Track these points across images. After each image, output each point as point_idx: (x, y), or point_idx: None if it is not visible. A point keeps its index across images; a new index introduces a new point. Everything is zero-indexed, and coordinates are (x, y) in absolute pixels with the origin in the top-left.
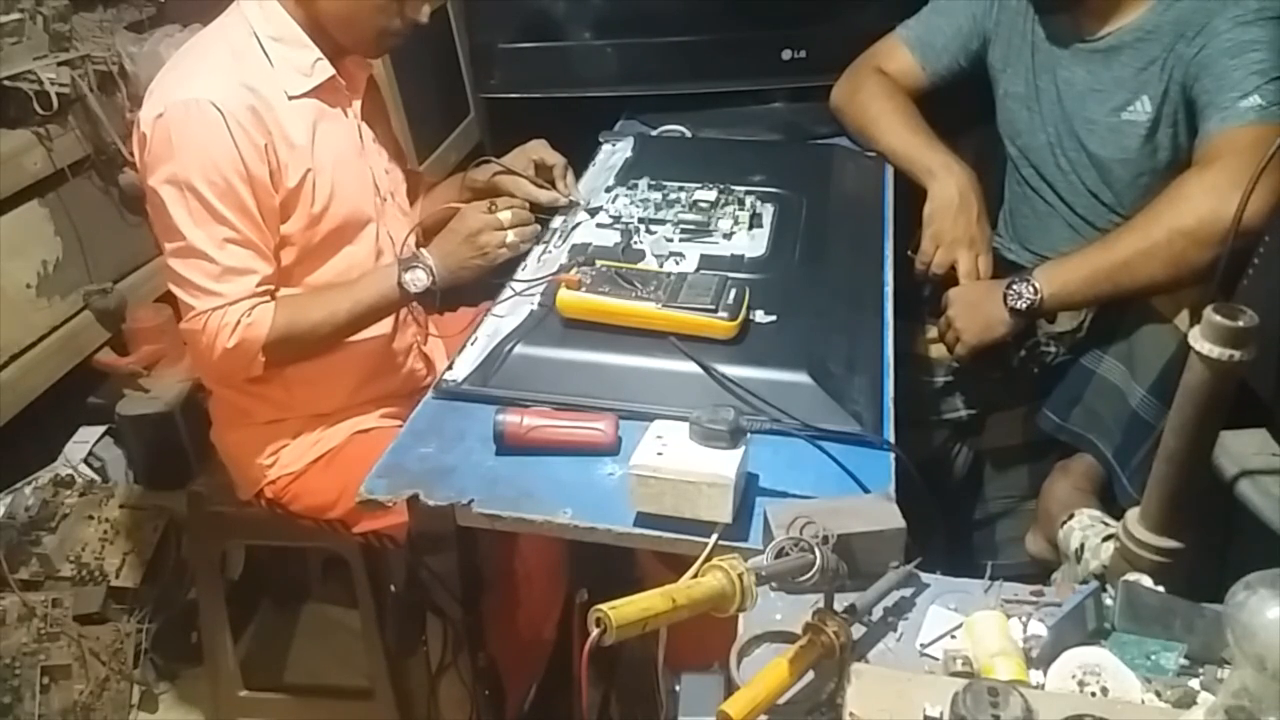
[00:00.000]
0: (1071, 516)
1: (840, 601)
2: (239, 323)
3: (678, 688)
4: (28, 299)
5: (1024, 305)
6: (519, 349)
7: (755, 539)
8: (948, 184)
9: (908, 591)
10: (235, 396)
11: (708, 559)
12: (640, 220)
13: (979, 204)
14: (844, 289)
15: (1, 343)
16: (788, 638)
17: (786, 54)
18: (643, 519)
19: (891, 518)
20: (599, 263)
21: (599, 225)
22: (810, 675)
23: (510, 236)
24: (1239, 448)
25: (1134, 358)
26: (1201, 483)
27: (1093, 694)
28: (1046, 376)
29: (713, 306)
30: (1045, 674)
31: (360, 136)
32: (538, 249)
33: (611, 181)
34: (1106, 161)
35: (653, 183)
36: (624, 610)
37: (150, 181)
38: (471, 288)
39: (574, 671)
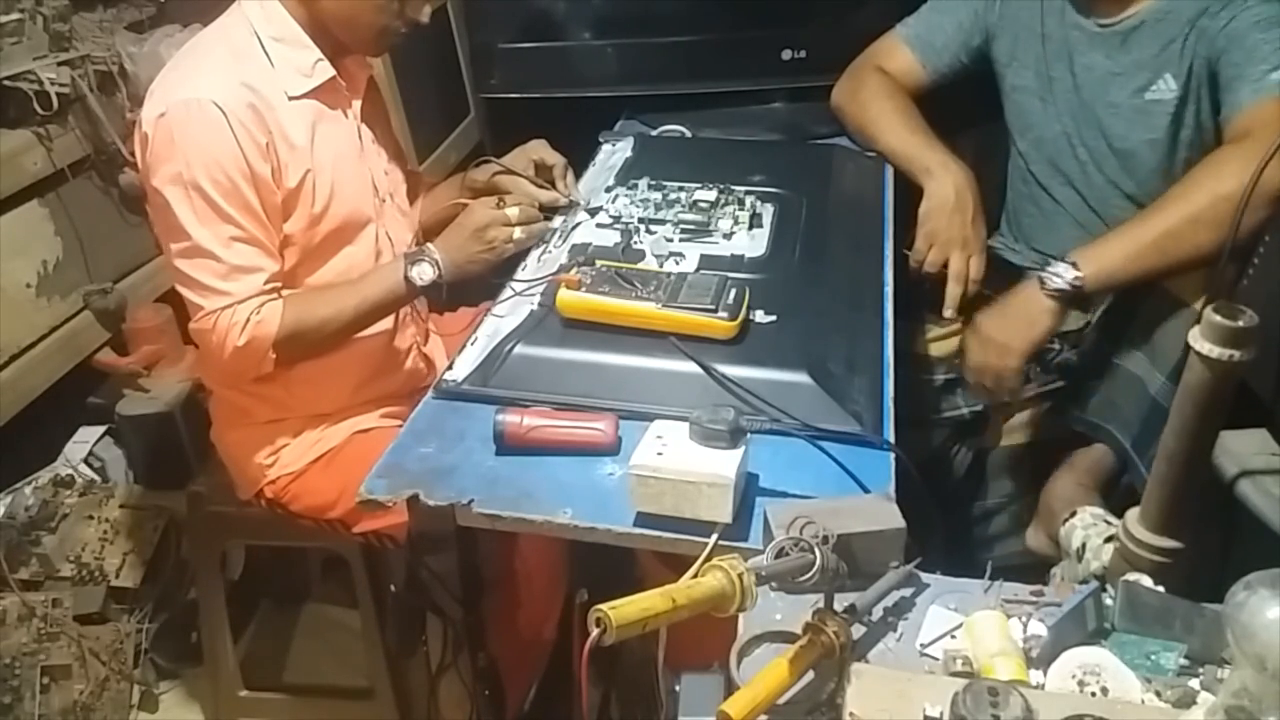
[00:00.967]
0: (1074, 514)
1: (840, 601)
2: (248, 321)
3: (678, 688)
4: (28, 299)
5: (1063, 285)
6: (519, 349)
7: (755, 539)
8: (944, 183)
9: (908, 591)
10: (235, 396)
11: (708, 559)
12: (640, 220)
13: (975, 204)
14: (844, 289)
15: (1, 343)
16: (788, 638)
17: (786, 54)
18: (643, 519)
19: (891, 518)
20: (599, 263)
21: (599, 225)
22: (810, 675)
23: (517, 233)
24: (1239, 448)
25: (1155, 345)
26: (1201, 483)
27: (1093, 694)
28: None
29: (713, 306)
30: (1045, 674)
31: (360, 137)
32: (537, 249)
33: (611, 181)
34: (1132, 146)
35: (653, 183)
36: (624, 610)
37: (153, 182)
38: (472, 287)
39: (574, 671)
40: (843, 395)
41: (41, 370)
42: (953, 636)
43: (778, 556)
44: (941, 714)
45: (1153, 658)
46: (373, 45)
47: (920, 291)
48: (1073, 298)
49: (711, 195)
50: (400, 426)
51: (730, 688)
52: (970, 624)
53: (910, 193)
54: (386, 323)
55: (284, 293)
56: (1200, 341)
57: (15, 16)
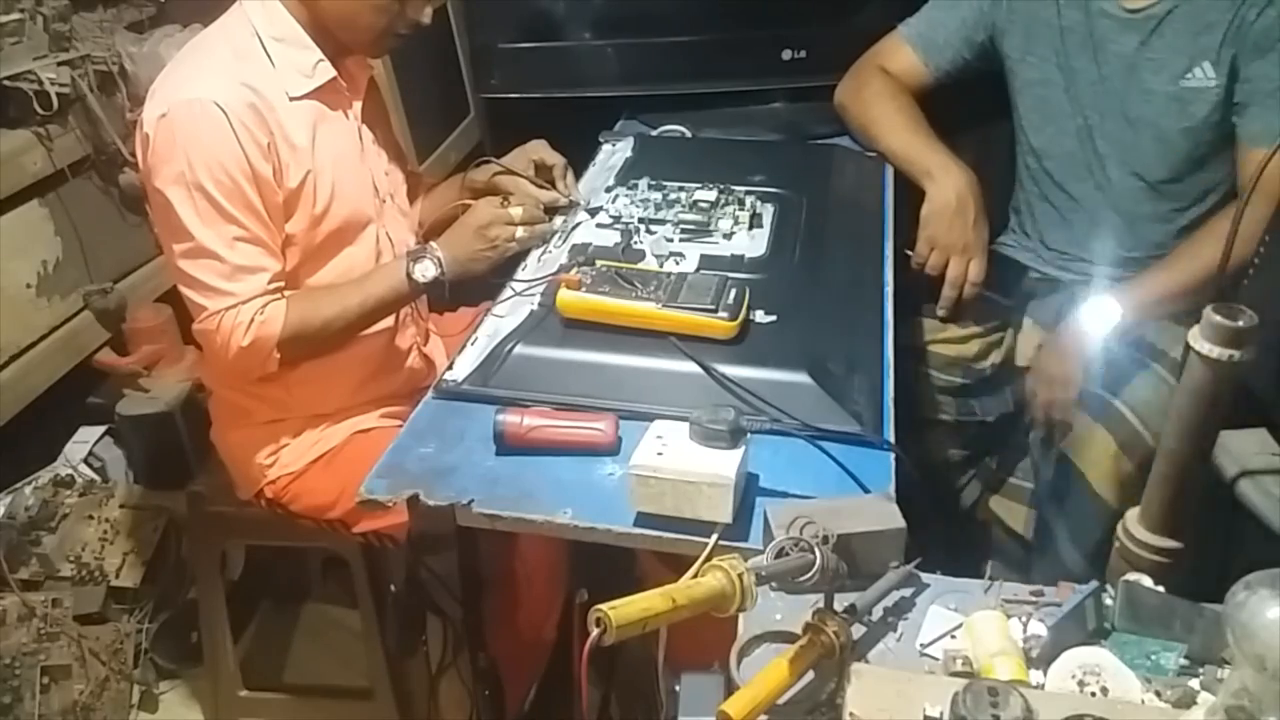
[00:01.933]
0: None
1: (840, 601)
2: (253, 321)
3: (678, 688)
4: (28, 299)
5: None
6: (519, 349)
7: (755, 539)
8: (945, 186)
9: (908, 591)
10: (235, 396)
11: (708, 559)
12: (640, 220)
13: (976, 207)
14: (844, 289)
15: (1, 343)
16: (788, 638)
17: (786, 54)
18: (643, 519)
19: (891, 518)
20: (599, 263)
21: (599, 225)
22: (810, 675)
23: (520, 232)
24: (1239, 448)
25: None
26: (1201, 483)
27: (1093, 694)
28: None
29: (713, 306)
30: (1045, 674)
31: (361, 138)
32: (538, 249)
33: (611, 181)
34: (1166, 133)
35: (653, 183)
36: (624, 610)
37: (155, 182)
38: (473, 287)
39: (574, 671)
40: (843, 395)
41: (41, 370)
42: (953, 636)
43: (778, 556)
44: (941, 714)
45: (1153, 658)
46: (373, 46)
47: (919, 286)
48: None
49: (711, 195)
50: (400, 426)
51: (730, 688)
52: (970, 624)
53: (911, 193)
54: (387, 322)
55: (285, 293)
56: (1200, 341)
57: (15, 16)
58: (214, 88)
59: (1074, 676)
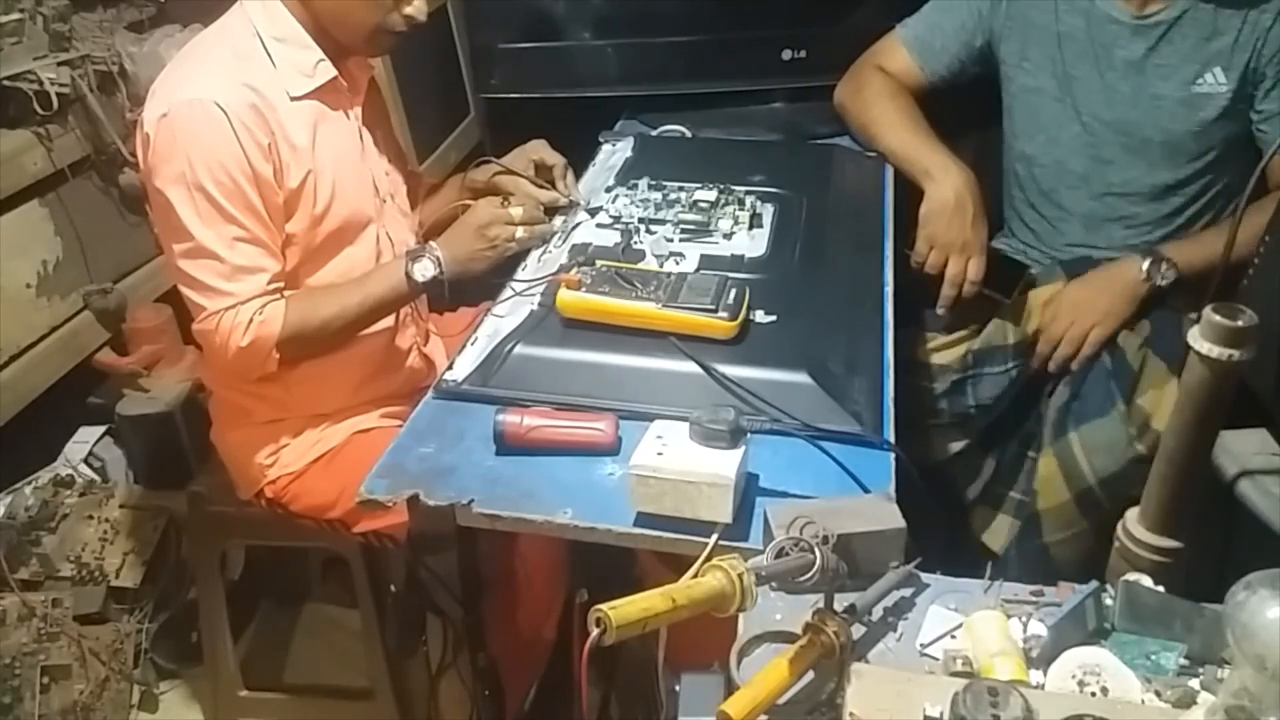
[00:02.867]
0: None
1: (840, 601)
2: (252, 321)
3: (678, 688)
4: (28, 299)
5: (1161, 283)
6: (519, 349)
7: (755, 539)
8: (944, 186)
9: (908, 591)
10: (235, 396)
11: (708, 559)
12: (640, 220)
13: (975, 206)
14: (844, 289)
15: (1, 343)
16: (788, 638)
17: (786, 54)
18: (643, 519)
19: (891, 518)
20: (599, 263)
21: (599, 225)
22: (810, 675)
23: (520, 232)
24: (1239, 448)
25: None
26: (1201, 483)
27: (1093, 694)
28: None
29: (713, 306)
30: (1045, 674)
31: (361, 138)
32: (538, 249)
33: (611, 181)
34: (1176, 136)
35: (653, 183)
36: (624, 610)
37: (155, 183)
38: (473, 287)
39: (574, 671)
40: (843, 395)
41: (41, 370)
42: (953, 636)
43: (778, 556)
44: (941, 714)
45: (1153, 658)
46: (369, 44)
47: (921, 293)
48: (1160, 294)
49: (711, 195)
50: (400, 426)
51: (730, 688)
52: (970, 624)
53: (911, 192)
54: (387, 322)
55: (285, 293)
56: (1200, 341)
57: (15, 16)
58: (215, 88)
59: (1074, 676)
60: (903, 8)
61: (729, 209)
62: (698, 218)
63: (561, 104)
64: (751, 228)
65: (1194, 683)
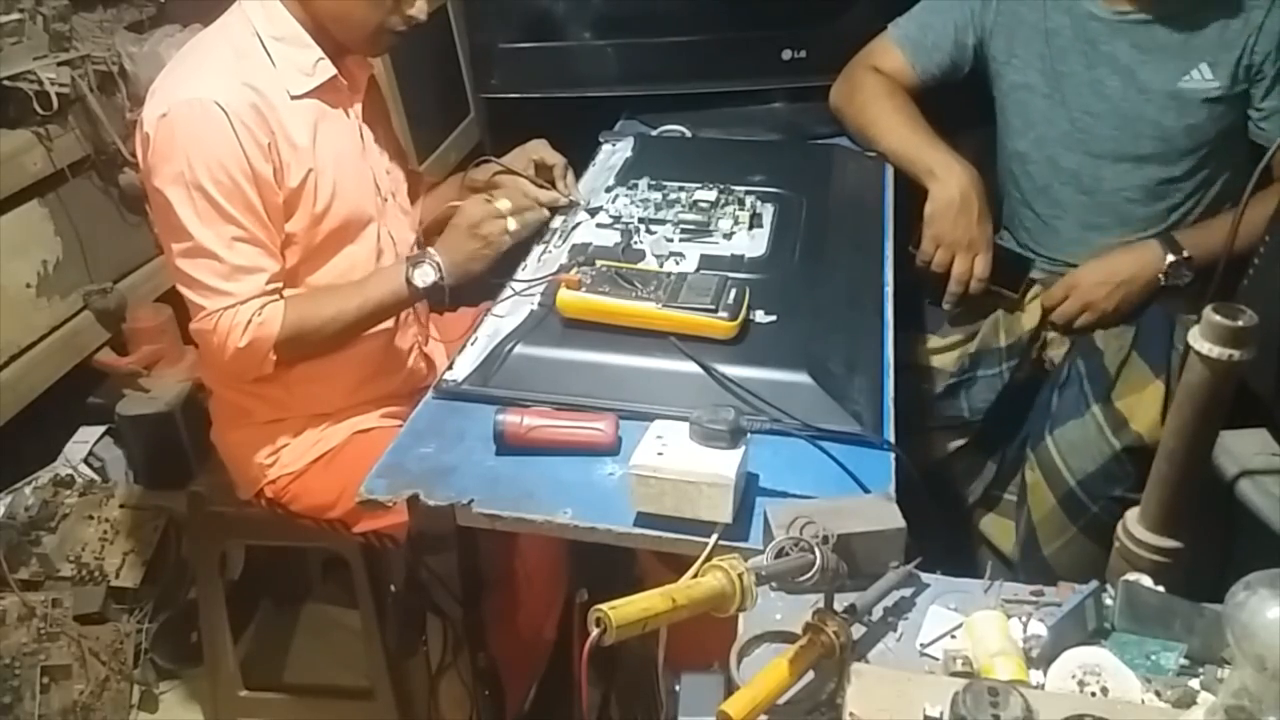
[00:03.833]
0: None
1: (840, 601)
2: (250, 321)
3: (678, 688)
4: (28, 299)
5: (1178, 281)
6: (519, 349)
7: (755, 539)
8: (948, 184)
9: (908, 591)
10: (235, 396)
11: (708, 559)
12: (640, 220)
13: (980, 203)
14: (844, 289)
15: (1, 343)
16: (788, 638)
17: (786, 54)
18: (643, 519)
19: (891, 518)
20: (599, 263)
21: (599, 225)
22: (810, 675)
23: (512, 224)
24: (1239, 448)
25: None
26: (1201, 483)
27: (1093, 694)
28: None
29: (713, 306)
30: (1045, 674)
31: (361, 137)
32: (538, 249)
33: (611, 181)
34: (1169, 131)
35: (653, 183)
36: (624, 610)
37: (155, 182)
38: (472, 287)
39: (574, 671)
40: (843, 395)
41: (41, 370)
42: (953, 636)
43: (778, 556)
44: (941, 714)
45: (1153, 658)
46: (369, 44)
47: (918, 295)
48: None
49: (711, 195)
50: (400, 426)
51: (730, 688)
52: (970, 624)
53: (911, 191)
54: (388, 323)
55: (285, 293)
56: (1200, 341)
57: (15, 16)
58: (215, 87)
59: (1074, 676)
60: (903, 7)
61: (729, 209)
62: (698, 218)
63: (561, 104)
64: (751, 228)
65: (1194, 683)
